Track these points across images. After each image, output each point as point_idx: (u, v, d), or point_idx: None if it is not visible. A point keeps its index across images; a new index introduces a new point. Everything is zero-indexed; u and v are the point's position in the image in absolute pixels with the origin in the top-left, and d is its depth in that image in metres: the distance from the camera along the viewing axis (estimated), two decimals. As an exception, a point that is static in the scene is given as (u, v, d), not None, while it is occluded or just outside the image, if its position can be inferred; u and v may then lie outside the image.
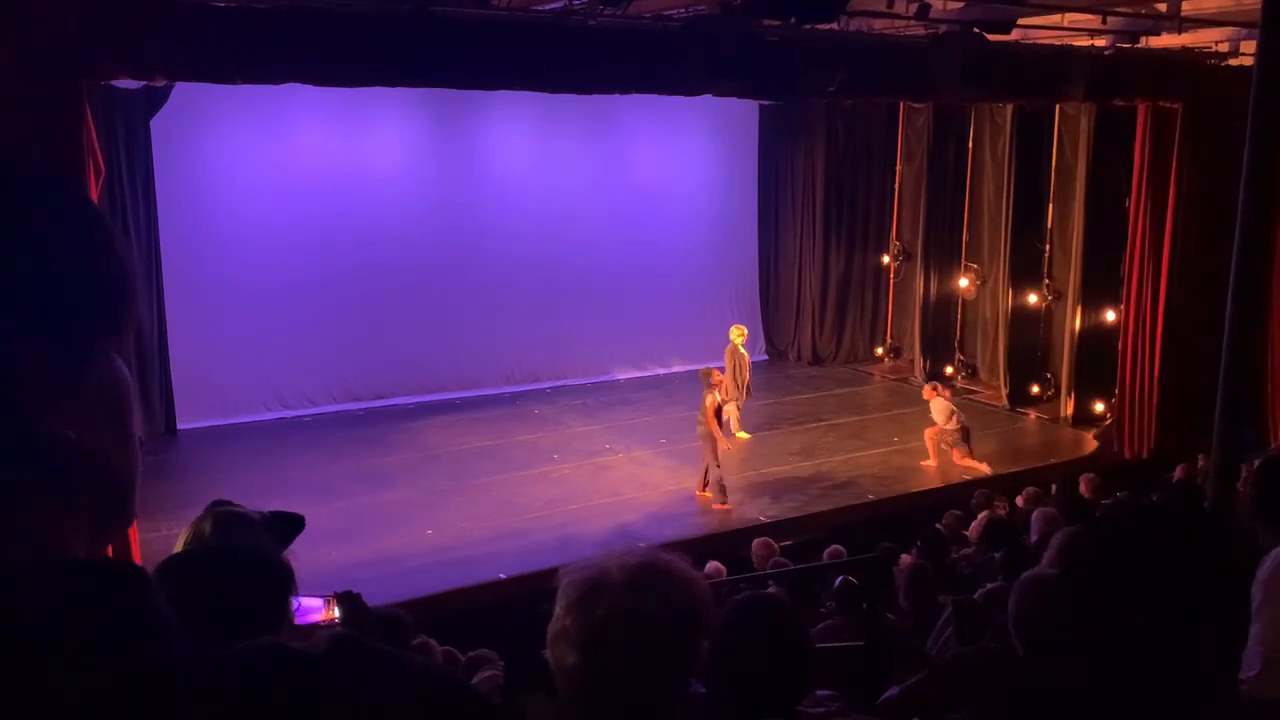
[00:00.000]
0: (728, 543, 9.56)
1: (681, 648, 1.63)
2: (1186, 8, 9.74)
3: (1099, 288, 13.35)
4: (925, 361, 15.83)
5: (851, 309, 17.20)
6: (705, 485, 10.75)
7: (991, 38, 9.68)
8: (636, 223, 15.59)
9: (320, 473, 11.16)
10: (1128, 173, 12.43)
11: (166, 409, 12.75)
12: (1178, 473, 9.80)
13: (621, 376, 15.38)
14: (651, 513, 10.58)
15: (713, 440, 10.50)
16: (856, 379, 16.18)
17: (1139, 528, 1.48)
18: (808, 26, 8.70)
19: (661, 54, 8.58)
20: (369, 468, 11.44)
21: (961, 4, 9.86)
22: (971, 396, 14.97)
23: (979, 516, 8.84)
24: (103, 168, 7.49)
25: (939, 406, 12.06)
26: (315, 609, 2.39)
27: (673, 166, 16.00)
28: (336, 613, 2.51)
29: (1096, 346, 13.37)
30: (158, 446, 12.04)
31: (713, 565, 7.88)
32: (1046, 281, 14.14)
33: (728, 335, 12.88)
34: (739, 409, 12.70)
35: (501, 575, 8.81)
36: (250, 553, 1.91)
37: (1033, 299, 14.32)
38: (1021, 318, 14.44)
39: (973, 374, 15.45)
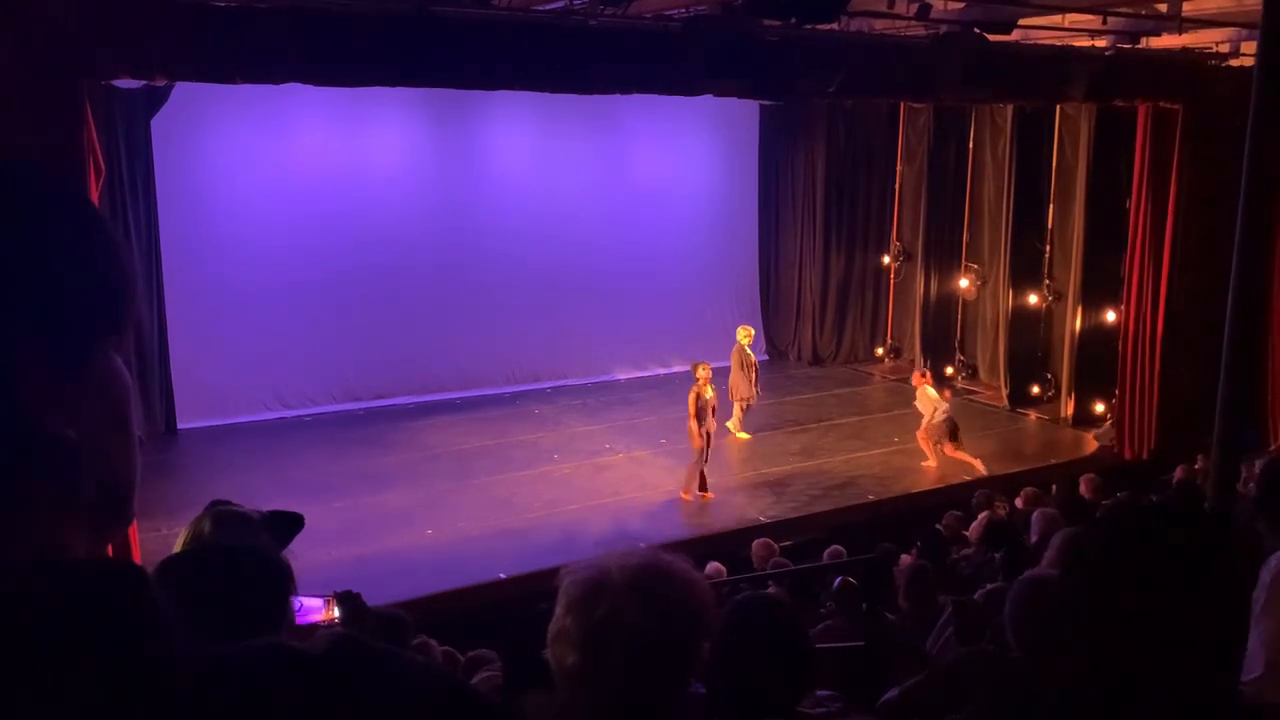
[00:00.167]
0: (728, 543, 9.56)
1: (682, 648, 1.63)
2: (1187, 8, 9.74)
3: (1099, 288, 13.35)
4: (925, 362, 15.83)
5: (852, 309, 17.20)
6: (702, 484, 10.76)
7: (992, 38, 9.68)
8: (637, 223, 15.58)
9: (320, 473, 11.15)
10: (1128, 173, 12.43)
11: (166, 409, 12.75)
12: (1178, 473, 9.80)
13: (621, 376, 15.38)
14: (651, 513, 10.58)
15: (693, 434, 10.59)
16: (857, 379, 16.19)
17: (1139, 528, 1.47)
18: (808, 26, 8.70)
19: (662, 54, 8.58)
20: (369, 468, 11.44)
21: (962, 4, 9.86)
22: (972, 397, 14.98)
23: (979, 517, 8.84)
24: (103, 168, 7.49)
25: (924, 396, 12.02)
26: (315, 609, 2.39)
27: (673, 166, 16.00)
28: (336, 612, 2.51)
29: (1097, 347, 13.37)
30: (158, 446, 12.04)
31: (713, 566, 7.88)
32: (1047, 282, 14.14)
33: (734, 336, 12.90)
34: (744, 410, 12.70)
35: (501, 575, 8.81)
36: (250, 552, 1.91)
37: (1033, 299, 14.32)
38: (1022, 318, 14.44)
39: (973, 374, 15.45)
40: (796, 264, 17.16)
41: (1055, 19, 10.59)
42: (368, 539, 9.32)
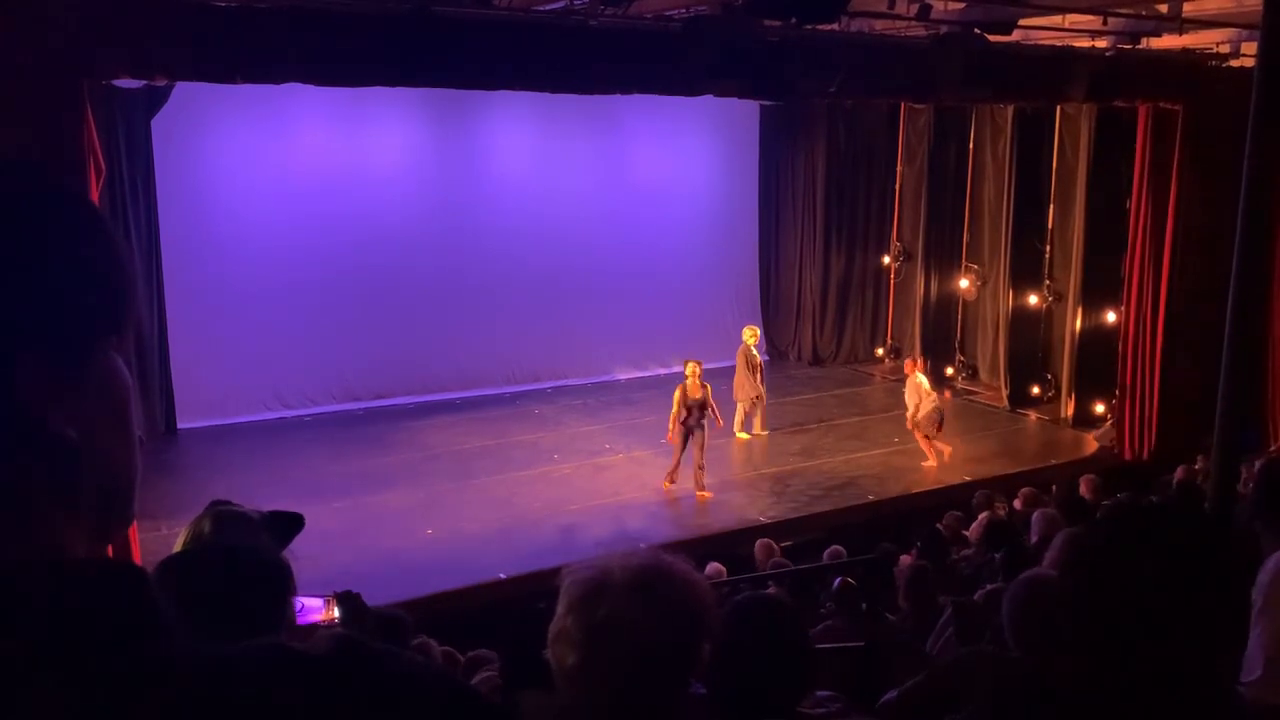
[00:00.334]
0: (728, 543, 9.56)
1: (682, 649, 1.63)
2: (1187, 9, 9.75)
3: (1099, 289, 13.35)
4: (925, 362, 15.81)
5: (852, 309, 17.20)
6: (700, 484, 10.77)
7: (992, 38, 9.68)
8: (637, 223, 15.59)
9: (320, 473, 11.15)
10: (1128, 174, 12.43)
11: (166, 409, 12.76)
12: (1178, 474, 9.80)
13: (621, 376, 15.39)
14: (651, 513, 10.58)
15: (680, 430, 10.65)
16: (857, 379, 16.19)
17: (1140, 529, 1.47)
18: (808, 26, 8.71)
19: (662, 54, 8.58)
20: (369, 468, 11.44)
21: (962, 5, 9.87)
22: (972, 397, 14.99)
23: (979, 517, 8.84)
24: (103, 167, 7.49)
25: (913, 385, 12.01)
26: (315, 609, 2.39)
27: (673, 166, 16.00)
28: (336, 613, 2.51)
29: (1097, 348, 13.37)
30: (158, 446, 12.04)
31: (713, 567, 7.88)
32: (1047, 282, 14.14)
33: (737, 336, 12.93)
34: (747, 411, 12.71)
35: (501, 575, 8.81)
36: (249, 553, 1.91)
37: (1033, 300, 14.32)
38: (1022, 319, 14.44)
39: (973, 375, 15.46)
40: (796, 264, 17.16)
41: (1055, 19, 10.60)
42: (368, 539, 9.32)
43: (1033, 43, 11.14)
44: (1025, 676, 2.93)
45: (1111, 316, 13.27)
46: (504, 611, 7.46)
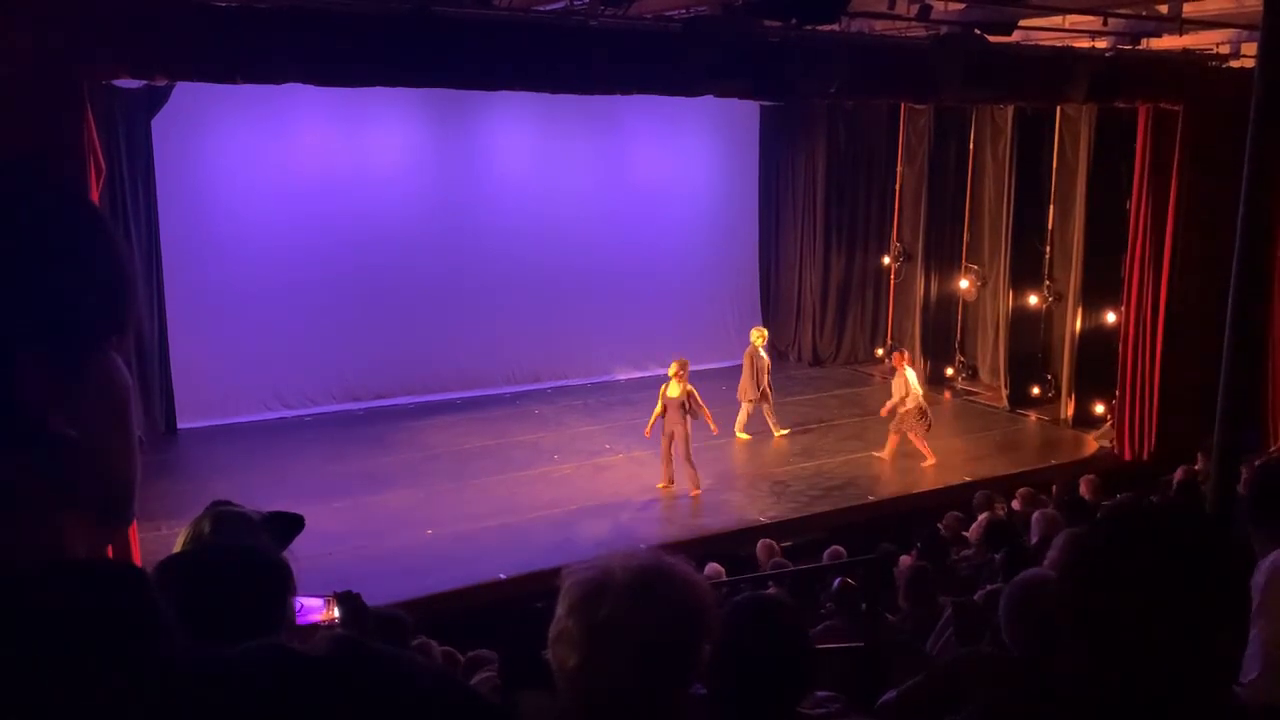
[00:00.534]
0: (728, 543, 9.57)
1: (683, 649, 1.63)
2: (1188, 9, 9.74)
3: (1100, 289, 13.35)
4: (925, 362, 15.83)
5: (852, 310, 17.20)
6: (695, 484, 10.81)
7: (993, 39, 9.68)
8: (636, 223, 15.59)
9: (320, 473, 11.15)
10: (1128, 174, 12.43)
11: (166, 409, 12.76)
12: (1178, 474, 9.80)
13: (621, 376, 15.38)
14: (651, 513, 10.59)
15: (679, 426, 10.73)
16: (857, 380, 16.18)
17: (1140, 530, 1.47)
18: (808, 27, 8.70)
19: (662, 54, 8.58)
20: (369, 468, 11.44)
21: (963, 5, 9.86)
22: (972, 398, 14.99)
23: (979, 518, 8.84)
24: (103, 167, 7.49)
25: (901, 378, 11.98)
26: (315, 609, 2.39)
27: (673, 166, 16.00)
28: (336, 613, 2.51)
29: (1097, 348, 13.37)
30: (158, 446, 12.04)
31: (712, 567, 7.87)
32: (1047, 283, 14.14)
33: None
34: (750, 412, 12.71)
35: (501, 575, 8.81)
36: (249, 553, 1.91)
37: (1033, 300, 14.32)
38: (1022, 319, 14.44)
39: (973, 375, 15.46)
40: (796, 264, 17.16)
41: (1056, 20, 10.59)
42: (368, 539, 9.32)
43: (1033, 43, 11.14)
44: (1024, 677, 2.93)
45: (1111, 317, 13.26)
46: (504, 611, 7.47)
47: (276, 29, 7.29)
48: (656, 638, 1.59)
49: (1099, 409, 13.41)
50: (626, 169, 15.61)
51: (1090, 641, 1.42)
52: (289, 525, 2.18)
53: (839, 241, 16.99)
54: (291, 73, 7.78)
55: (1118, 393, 12.57)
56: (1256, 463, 5.70)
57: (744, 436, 12.75)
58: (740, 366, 12.98)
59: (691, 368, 14.04)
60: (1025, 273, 14.31)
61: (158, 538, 7.88)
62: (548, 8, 8.90)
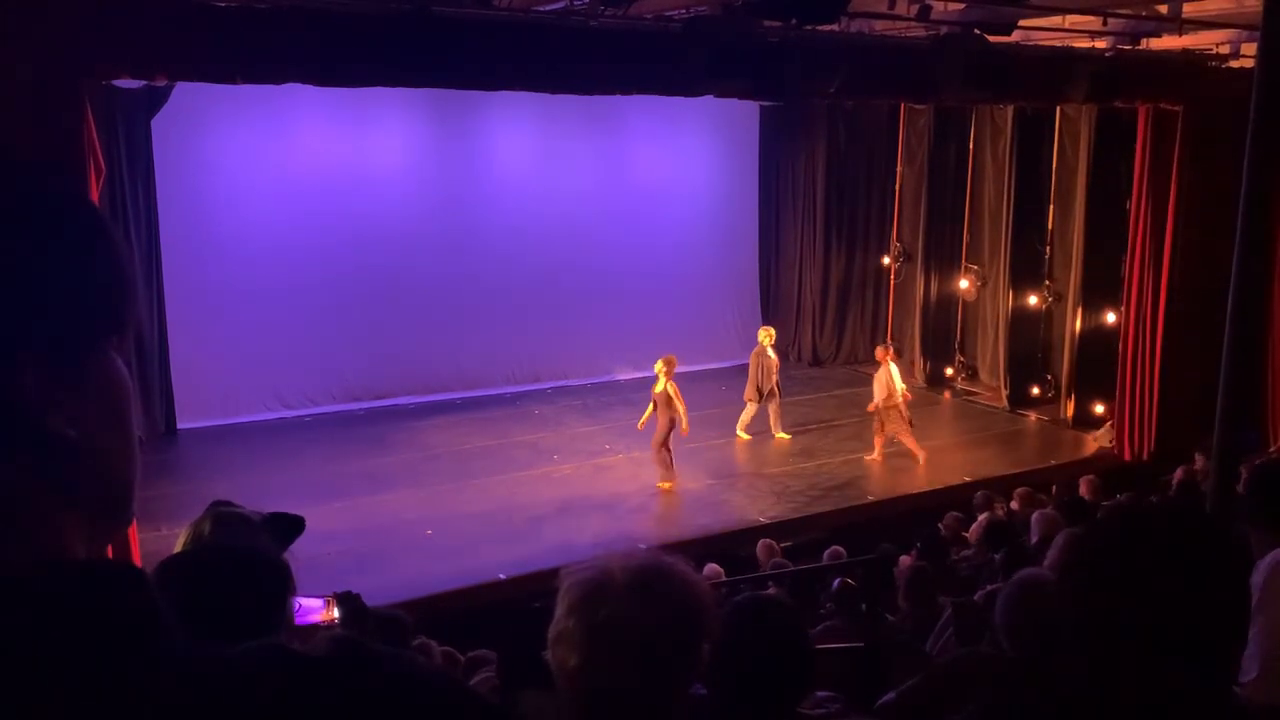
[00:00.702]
0: (728, 543, 9.57)
1: (683, 649, 1.63)
2: (1187, 10, 9.73)
3: (1099, 289, 13.35)
4: (925, 363, 15.84)
5: (852, 310, 17.20)
6: (662, 478, 10.95)
7: (992, 39, 9.68)
8: (637, 223, 15.59)
9: (320, 473, 11.15)
10: (1128, 174, 12.43)
11: (166, 409, 12.76)
12: (1178, 474, 9.80)
13: (621, 377, 15.38)
14: (651, 513, 10.59)
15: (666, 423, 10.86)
16: (857, 380, 16.14)
17: (1141, 529, 1.48)
18: (808, 27, 8.70)
19: (662, 54, 8.58)
20: (369, 468, 11.44)
21: (963, 5, 9.86)
22: (972, 398, 14.99)
23: (979, 518, 8.84)
24: (103, 168, 7.49)
25: (886, 374, 11.94)
26: (315, 609, 2.38)
27: (673, 166, 16.00)
28: (336, 613, 2.50)
29: (1097, 348, 13.37)
30: (158, 446, 12.04)
31: (711, 568, 7.87)
32: (1047, 283, 14.14)
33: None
34: (755, 413, 12.71)
35: (501, 575, 8.81)
36: (248, 553, 1.91)
37: (1033, 300, 14.32)
38: (1022, 319, 14.44)
39: (973, 375, 15.46)
40: (796, 264, 17.16)
41: (1055, 20, 10.58)
42: (368, 539, 9.32)
43: (1033, 43, 11.14)
44: (1023, 678, 2.93)
45: (1111, 317, 13.27)
46: (504, 612, 7.47)
47: (276, 29, 7.29)
48: (656, 637, 1.59)
49: (1099, 409, 13.40)
50: (627, 169, 15.61)
51: (1090, 641, 1.42)
52: (289, 527, 2.18)
53: (839, 241, 16.99)
54: (291, 73, 7.78)
55: (1118, 393, 12.57)
56: (1256, 462, 5.70)
57: (744, 436, 12.75)
58: (745, 366, 12.99)
59: (692, 368, 14.02)
60: (1025, 273, 14.31)
61: (158, 538, 7.88)
62: (548, 8, 8.89)
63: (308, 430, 12.93)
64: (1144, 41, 11.13)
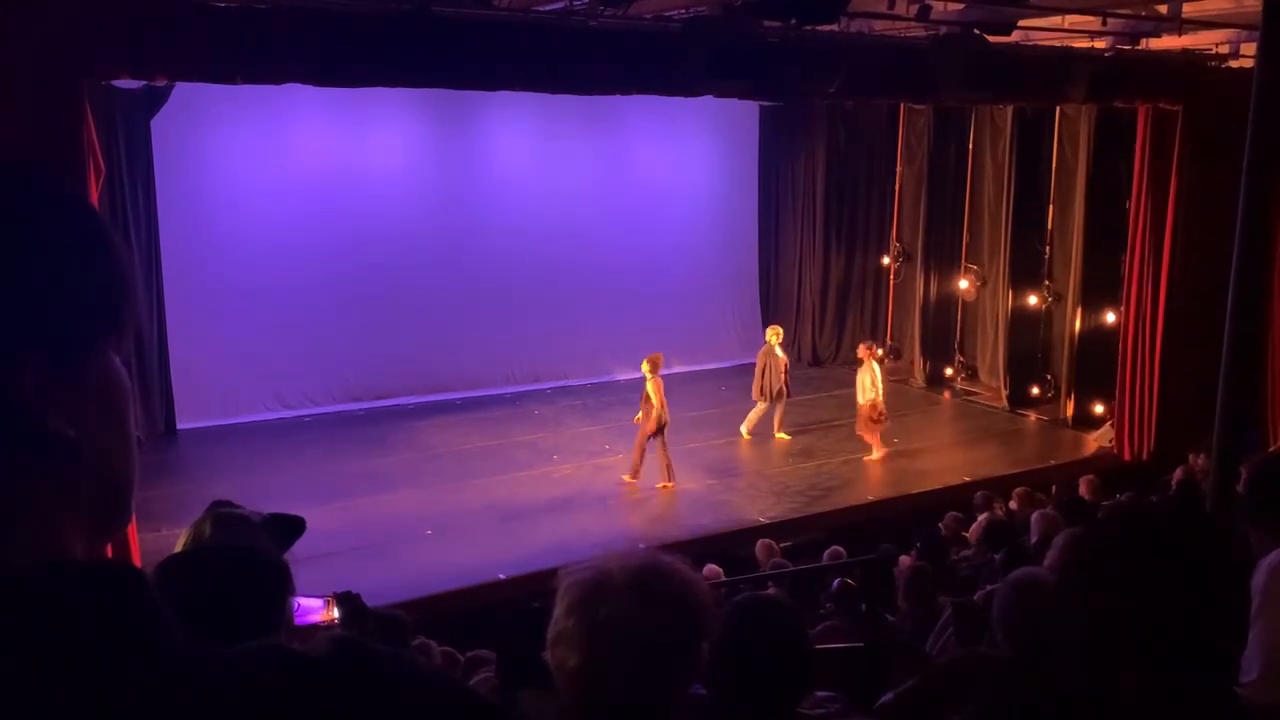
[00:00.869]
0: (727, 543, 9.56)
1: (682, 649, 1.63)
2: (1187, 10, 9.74)
3: (1099, 289, 13.35)
4: (925, 363, 15.84)
5: (852, 310, 17.20)
6: (632, 473, 11.02)
7: (992, 39, 9.68)
8: (636, 223, 15.59)
9: (320, 473, 11.15)
10: (1128, 174, 12.43)
11: (166, 409, 12.75)
12: (1178, 474, 9.80)
13: (621, 377, 15.38)
14: (651, 513, 10.59)
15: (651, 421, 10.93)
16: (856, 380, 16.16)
17: (1141, 530, 1.48)
18: (808, 27, 8.70)
19: (662, 55, 8.58)
20: (369, 468, 11.44)
21: (962, 5, 9.86)
22: (971, 398, 14.99)
23: (979, 518, 8.84)
24: (103, 168, 7.49)
25: (869, 373, 12.01)
26: (315, 609, 2.38)
27: (673, 166, 16.00)
28: (336, 613, 2.50)
29: (1096, 348, 13.37)
30: (158, 446, 12.04)
31: (710, 568, 7.86)
32: (1047, 283, 14.14)
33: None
34: (763, 413, 12.70)
35: (501, 575, 8.81)
36: (247, 553, 1.91)
37: (1033, 300, 14.32)
38: (1021, 319, 14.44)
39: (973, 375, 15.46)
40: (796, 264, 17.16)
41: (1055, 20, 10.59)
42: (368, 539, 9.32)
43: (1032, 43, 11.14)
44: (1022, 678, 2.93)
45: (1111, 317, 13.27)
46: (504, 612, 7.47)
47: (276, 29, 7.29)
48: (656, 637, 1.59)
49: (1099, 409, 13.41)
50: (626, 169, 15.61)
51: (1090, 642, 1.42)
52: (290, 528, 2.18)
53: (839, 241, 17.00)
54: (291, 73, 7.78)
55: (1117, 393, 12.58)
56: (1256, 460, 5.69)
57: (746, 436, 12.75)
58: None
59: (692, 368, 14.04)
60: (1025, 273, 14.31)
61: (157, 538, 7.88)
62: (548, 8, 8.89)
63: (308, 430, 12.92)
64: (1143, 41, 11.13)
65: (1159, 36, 10.87)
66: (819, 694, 2.75)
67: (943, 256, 15.79)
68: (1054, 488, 10.53)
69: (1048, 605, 2.94)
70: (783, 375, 12.67)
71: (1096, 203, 13.18)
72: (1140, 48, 11.23)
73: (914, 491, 11.20)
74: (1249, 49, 10.58)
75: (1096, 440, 12.97)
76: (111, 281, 0.80)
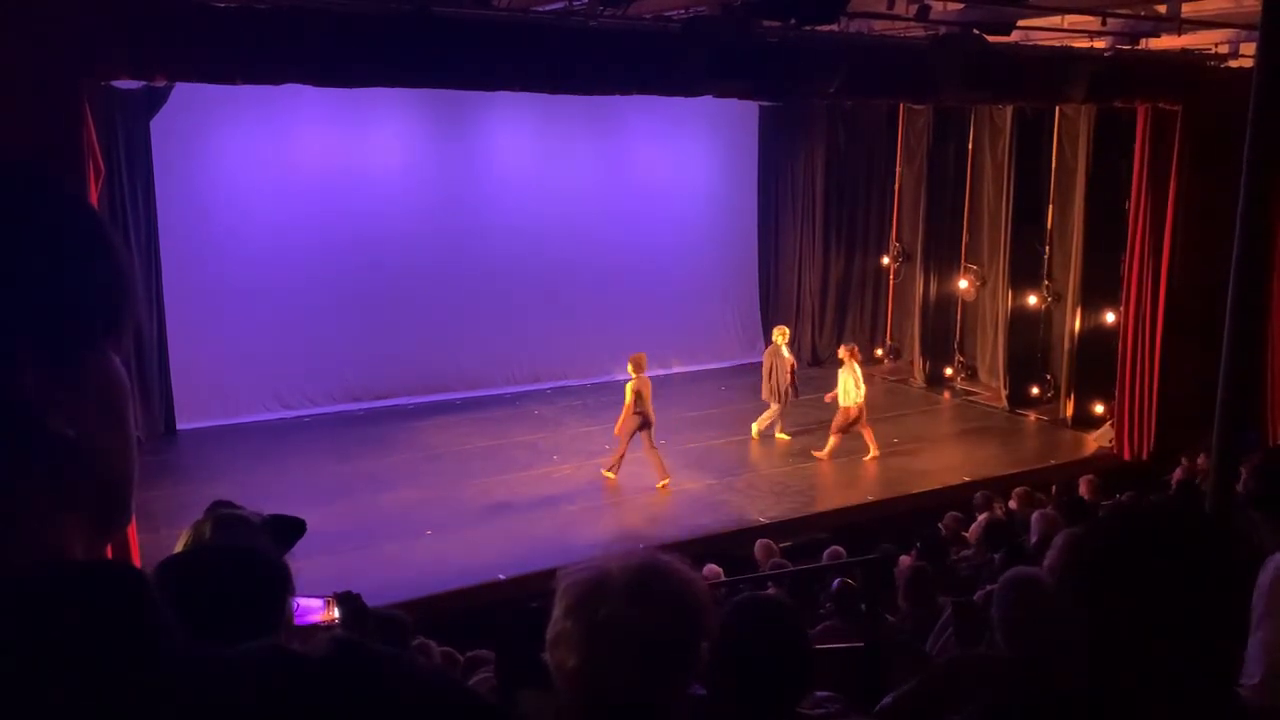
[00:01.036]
0: (727, 543, 9.56)
1: (682, 649, 1.63)
2: (1186, 10, 9.73)
3: (1099, 289, 13.36)
4: (925, 363, 15.84)
5: (851, 310, 17.20)
6: (610, 467, 11.09)
7: (991, 39, 9.68)
8: (636, 223, 15.59)
9: (320, 473, 11.16)
10: (1128, 174, 12.43)
11: (166, 409, 12.75)
12: (1178, 474, 9.80)
13: (622, 377, 15.35)
14: (651, 513, 10.59)
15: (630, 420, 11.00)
16: (856, 380, 16.17)
17: (1141, 530, 1.48)
18: (808, 27, 8.70)
19: (662, 55, 8.58)
20: (369, 468, 11.44)
21: (962, 5, 9.86)
22: (971, 398, 14.99)
23: (979, 518, 8.84)
24: (103, 168, 7.49)
25: (851, 374, 12.02)
26: (315, 609, 2.38)
27: (673, 166, 16.00)
28: (336, 613, 2.50)
29: (1096, 348, 13.37)
30: (158, 446, 12.04)
31: (710, 568, 7.86)
32: (1046, 283, 14.14)
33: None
34: (775, 413, 12.70)
35: (501, 575, 8.81)
36: (246, 554, 1.91)
37: (1032, 300, 14.33)
38: (1021, 319, 14.44)
39: (972, 375, 15.46)
40: (796, 264, 17.16)
41: (1055, 20, 10.59)
42: (368, 539, 9.32)
43: (1032, 43, 11.14)
44: (1022, 678, 2.93)
45: (1111, 317, 13.27)
46: (503, 612, 7.46)
47: (276, 29, 7.29)
48: (655, 637, 1.59)
49: (1098, 409, 13.41)
50: (626, 169, 15.61)
51: (1090, 642, 1.42)
52: (290, 529, 2.18)
53: (838, 241, 17.00)
54: (291, 73, 7.78)
55: (1117, 393, 12.58)
56: (1263, 454, 5.69)
57: (754, 435, 12.75)
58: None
59: (692, 368, 14.03)
60: (1024, 273, 14.31)
61: (157, 539, 7.86)
62: (548, 8, 8.89)
63: (308, 430, 12.92)
64: (1143, 41, 11.13)
65: (1158, 36, 10.87)
66: (819, 694, 2.75)
67: (942, 256, 15.79)
68: (1054, 488, 10.53)
69: (1047, 605, 2.94)
70: (789, 376, 12.67)
71: (1096, 203, 13.18)
72: (1140, 48, 11.23)
73: (914, 491, 11.20)
74: (1249, 49, 10.58)
75: (1096, 440, 12.97)
76: (111, 281, 0.80)
